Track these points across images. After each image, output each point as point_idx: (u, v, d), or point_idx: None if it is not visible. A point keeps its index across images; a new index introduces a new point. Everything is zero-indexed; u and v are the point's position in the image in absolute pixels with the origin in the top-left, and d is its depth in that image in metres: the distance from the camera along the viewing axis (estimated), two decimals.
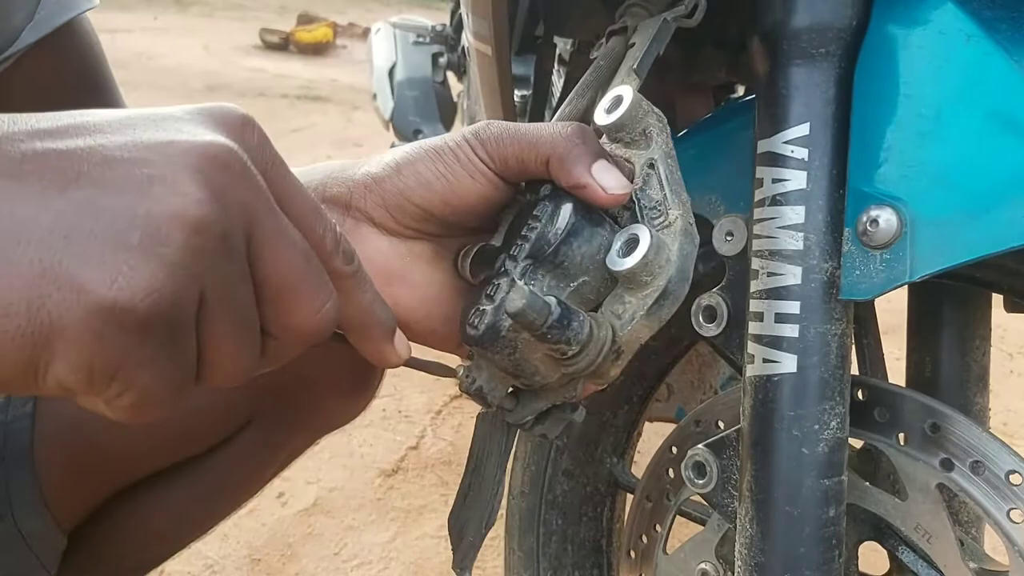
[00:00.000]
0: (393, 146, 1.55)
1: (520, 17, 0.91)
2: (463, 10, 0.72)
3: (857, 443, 0.51)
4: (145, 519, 0.68)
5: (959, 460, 0.45)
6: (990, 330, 0.60)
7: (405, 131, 1.68)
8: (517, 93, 1.23)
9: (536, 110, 0.92)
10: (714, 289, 0.52)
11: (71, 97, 0.61)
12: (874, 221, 0.42)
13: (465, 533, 0.43)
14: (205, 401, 0.63)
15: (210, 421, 0.65)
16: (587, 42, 0.89)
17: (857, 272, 0.43)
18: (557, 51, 0.97)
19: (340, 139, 3.78)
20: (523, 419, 0.40)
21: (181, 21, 7.93)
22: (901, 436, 0.48)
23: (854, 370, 0.49)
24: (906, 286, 0.51)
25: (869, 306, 0.57)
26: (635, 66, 0.45)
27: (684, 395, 0.96)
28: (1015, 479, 0.43)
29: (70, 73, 0.61)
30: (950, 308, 0.59)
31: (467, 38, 0.72)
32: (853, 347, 0.47)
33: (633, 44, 0.47)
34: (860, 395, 0.50)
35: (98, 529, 0.67)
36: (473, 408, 1.35)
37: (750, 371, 0.47)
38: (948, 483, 0.45)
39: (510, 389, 0.40)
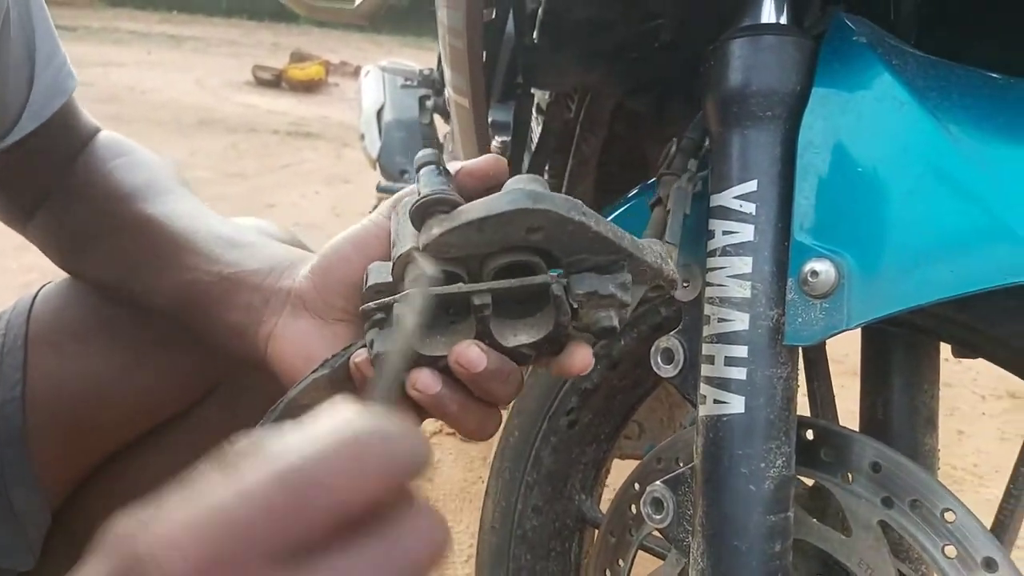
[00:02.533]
0: (379, 185, 1.58)
1: (500, 69, 0.96)
2: (443, 63, 0.76)
3: (810, 481, 0.54)
4: (121, 493, 0.70)
5: (898, 498, 0.48)
6: (938, 375, 0.63)
7: (392, 170, 1.72)
8: (498, 139, 1.27)
9: (515, 157, 0.95)
10: (672, 332, 0.55)
11: (63, 163, 0.66)
12: (814, 272, 0.45)
13: None
14: (166, 367, 0.66)
15: (174, 387, 0.69)
16: (563, 93, 0.93)
17: (800, 319, 0.46)
18: (535, 100, 1.01)
19: (330, 175, 3.83)
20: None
21: (175, 56, 8.02)
22: (846, 475, 0.50)
23: (806, 411, 0.52)
24: (860, 332, 0.55)
25: (820, 350, 0.60)
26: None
27: (654, 433, 0.98)
28: (949, 516, 0.46)
29: (65, 142, 0.66)
30: (899, 353, 0.62)
31: (447, 90, 0.76)
32: (800, 389, 0.50)
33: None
34: (809, 435, 0.52)
35: (78, 509, 0.70)
36: (448, 448, 1.36)
37: (702, 411, 0.49)
38: (888, 520, 0.48)
39: None
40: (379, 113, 1.76)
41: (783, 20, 0.50)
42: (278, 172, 3.88)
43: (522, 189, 0.38)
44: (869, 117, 0.45)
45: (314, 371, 0.44)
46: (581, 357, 0.42)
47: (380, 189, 1.54)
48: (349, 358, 0.43)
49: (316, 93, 6.47)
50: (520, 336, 0.41)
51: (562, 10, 0.66)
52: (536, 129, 1.01)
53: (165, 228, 0.57)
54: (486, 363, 0.40)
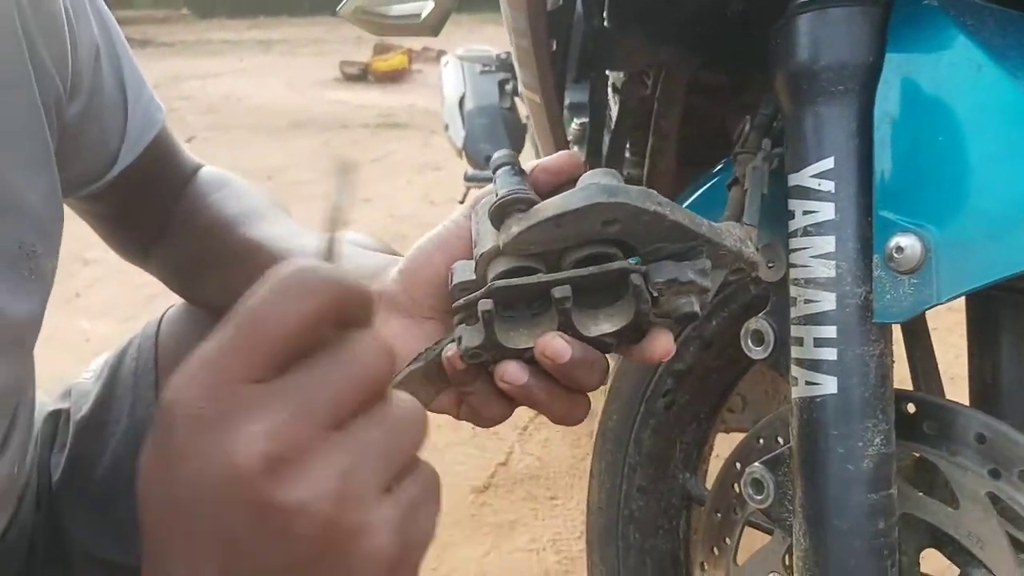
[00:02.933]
0: (466, 174, 1.61)
1: (573, 51, 0.96)
2: (513, 60, 0.77)
3: (917, 454, 0.53)
4: None
5: (1006, 469, 0.47)
6: None
7: (478, 157, 1.75)
8: (576, 121, 1.27)
9: (594, 138, 0.96)
10: (760, 314, 0.55)
11: (170, 198, 0.71)
12: (899, 248, 0.44)
13: None
14: None
15: None
16: (637, 72, 0.92)
17: (888, 296, 0.45)
18: (611, 80, 1.01)
19: (419, 164, 3.90)
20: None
21: (266, 60, 8.30)
22: (951, 448, 0.50)
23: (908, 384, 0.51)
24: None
25: (918, 320, 0.58)
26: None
27: (759, 405, 0.97)
28: None
29: (167, 176, 0.71)
30: (1006, 315, 0.60)
31: (519, 85, 0.77)
32: (895, 364, 0.49)
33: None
34: (910, 408, 0.52)
35: None
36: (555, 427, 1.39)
37: (795, 393, 0.49)
38: (996, 491, 0.47)
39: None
40: (460, 102, 1.79)
41: None
42: (370, 166, 3.97)
43: (596, 184, 0.39)
44: (945, 83, 0.44)
45: (409, 364, 0.46)
46: (662, 344, 0.42)
47: (467, 178, 1.57)
48: (441, 352, 0.45)
49: (401, 83, 6.57)
50: (602, 325, 0.41)
51: None
52: (614, 108, 1.00)
53: (264, 251, 0.61)
54: (571, 353, 0.41)
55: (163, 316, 0.77)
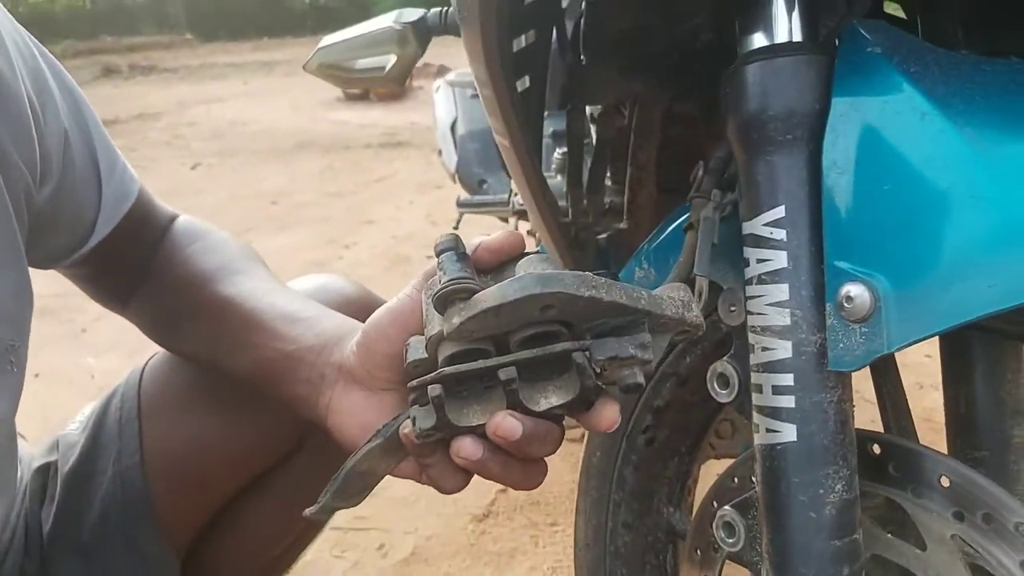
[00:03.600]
0: (459, 200, 1.62)
1: (552, 87, 0.96)
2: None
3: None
4: (236, 537, 0.80)
5: (970, 512, 0.46)
6: (1021, 363, 0.60)
7: (470, 181, 1.75)
8: (559, 151, 1.27)
9: (573, 169, 0.96)
10: (725, 357, 0.55)
11: (146, 253, 0.72)
12: (849, 297, 0.44)
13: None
14: (261, 423, 0.73)
15: (270, 439, 0.76)
16: (613, 105, 0.93)
17: (841, 345, 0.45)
18: (588, 111, 1.01)
19: (422, 183, 3.92)
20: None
21: (269, 82, 8.37)
22: (916, 489, 0.49)
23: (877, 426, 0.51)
24: None
25: (887, 359, 0.58)
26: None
27: (748, 432, 0.97)
28: None
29: (143, 234, 0.72)
30: (977, 346, 0.60)
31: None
32: (857, 410, 0.49)
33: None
34: (876, 450, 0.52)
35: (202, 554, 0.79)
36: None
37: (757, 439, 0.49)
38: (960, 534, 0.46)
39: None
40: (452, 127, 1.80)
41: (797, 37, 0.49)
42: (373, 187, 4.00)
43: (531, 274, 0.40)
44: (890, 131, 0.44)
45: (368, 442, 0.48)
46: (608, 415, 0.44)
47: (460, 204, 1.58)
48: (398, 428, 0.46)
49: (403, 100, 6.61)
50: (551, 398, 0.43)
51: (601, 23, 0.67)
52: (594, 137, 1.01)
53: (237, 309, 0.62)
54: (522, 430, 0.42)
55: (145, 365, 0.78)
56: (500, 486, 1.48)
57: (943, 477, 0.48)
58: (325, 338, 0.55)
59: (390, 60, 0.80)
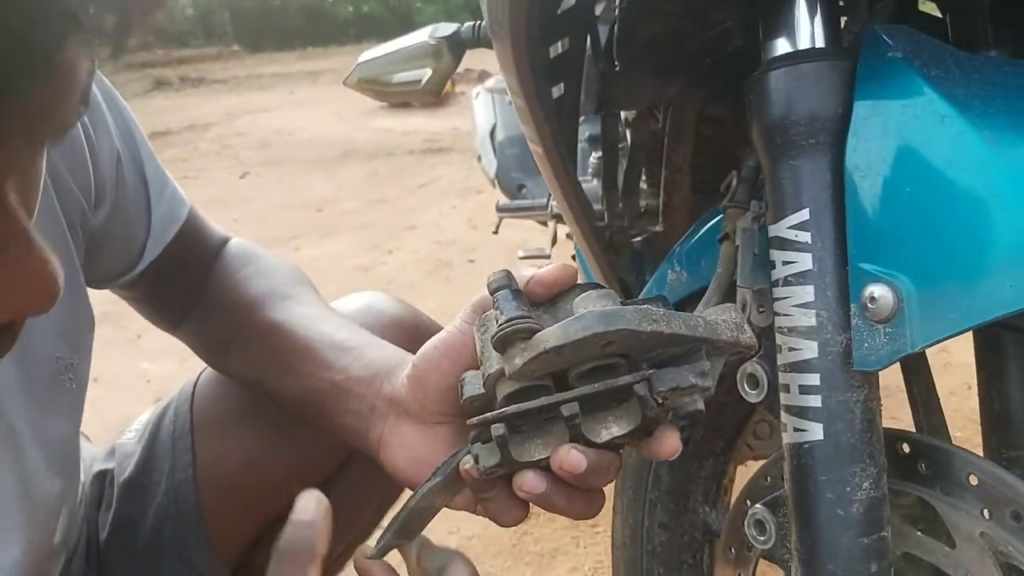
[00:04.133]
0: (498, 205, 1.64)
1: (588, 92, 0.98)
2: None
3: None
4: None
5: (997, 510, 0.47)
6: None
7: (510, 187, 1.78)
8: (594, 156, 1.28)
9: (608, 173, 0.97)
10: (754, 358, 0.56)
11: (198, 275, 0.74)
12: (873, 298, 0.45)
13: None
14: (309, 440, 0.75)
15: (318, 455, 0.77)
16: (646, 109, 0.94)
17: (866, 345, 0.46)
18: (623, 115, 1.03)
19: (463, 188, 3.96)
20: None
21: (315, 92, 8.51)
22: (945, 487, 0.50)
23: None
24: None
25: (918, 356, 0.58)
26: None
27: None
28: None
29: (195, 257, 0.75)
30: (1012, 344, 0.60)
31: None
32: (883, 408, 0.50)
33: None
34: (905, 448, 0.52)
35: (251, 567, 0.81)
36: None
37: (785, 439, 0.50)
38: (989, 531, 0.47)
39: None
40: (492, 133, 1.82)
41: (819, 43, 0.50)
42: (416, 192, 4.05)
43: (593, 312, 0.41)
44: (911, 134, 0.45)
45: (428, 480, 0.49)
46: (669, 444, 0.45)
47: (499, 208, 1.60)
48: (458, 464, 0.48)
49: (445, 105, 6.66)
50: (612, 428, 0.44)
51: (634, 29, 0.68)
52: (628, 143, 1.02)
53: (286, 336, 0.63)
54: (586, 463, 0.43)
55: (198, 379, 0.81)
56: None
57: (971, 475, 0.48)
58: (374, 369, 0.56)
59: (426, 74, 0.82)
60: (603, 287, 0.46)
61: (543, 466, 0.45)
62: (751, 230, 0.53)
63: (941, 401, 0.59)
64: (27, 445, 0.55)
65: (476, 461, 0.45)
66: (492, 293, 0.45)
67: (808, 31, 0.50)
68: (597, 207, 1.01)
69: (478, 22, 0.89)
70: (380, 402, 0.54)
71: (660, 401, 0.43)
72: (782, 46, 0.51)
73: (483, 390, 0.46)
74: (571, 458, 0.43)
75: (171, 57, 13.08)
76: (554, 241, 1.66)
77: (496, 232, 1.75)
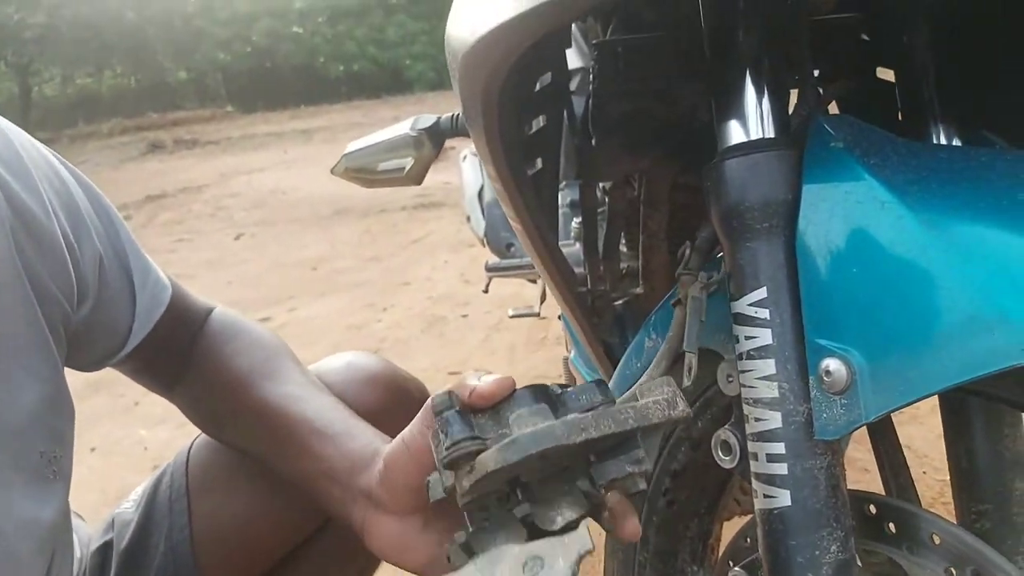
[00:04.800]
0: (487, 265, 1.68)
1: (568, 162, 1.02)
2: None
3: None
4: None
5: (959, 569, 0.49)
6: (1019, 418, 0.63)
7: (498, 245, 1.82)
8: (575, 221, 1.32)
9: (588, 239, 1.01)
10: (726, 425, 0.58)
11: (184, 348, 0.78)
12: (828, 371, 0.48)
13: None
14: (297, 497, 0.77)
15: (305, 511, 0.81)
16: (622, 178, 0.98)
17: (824, 415, 0.49)
18: (600, 183, 1.07)
19: (455, 243, 4.01)
20: None
21: (308, 150, 8.63)
22: (910, 546, 0.52)
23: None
24: None
25: (883, 421, 0.61)
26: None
27: None
28: None
29: (179, 332, 0.78)
30: (976, 409, 0.63)
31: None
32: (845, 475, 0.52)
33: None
34: (872, 510, 0.55)
35: None
36: None
37: (757, 504, 0.53)
38: None
39: None
40: (479, 194, 1.87)
41: (769, 132, 0.54)
42: (409, 248, 4.10)
43: (524, 435, 0.46)
44: (854, 218, 0.48)
45: None
46: (629, 530, 0.52)
47: (489, 269, 1.63)
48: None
49: (436, 160, 6.77)
50: (565, 514, 0.48)
51: (606, 106, 0.73)
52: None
53: (270, 419, 0.69)
54: None
55: (191, 445, 0.85)
56: None
57: (934, 535, 0.51)
58: (353, 460, 0.62)
59: (408, 162, 0.87)
60: (542, 390, 0.51)
61: None
62: (699, 299, 0.56)
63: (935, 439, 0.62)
64: (16, 543, 0.58)
65: (448, 560, 0.51)
66: (436, 415, 0.50)
67: (758, 120, 0.54)
68: (579, 270, 1.04)
69: (456, 113, 0.94)
70: (360, 494, 0.60)
71: (603, 492, 0.49)
72: (735, 132, 0.54)
73: (446, 495, 0.51)
74: None
75: (165, 119, 13.28)
76: (543, 298, 1.70)
77: (486, 291, 1.79)
